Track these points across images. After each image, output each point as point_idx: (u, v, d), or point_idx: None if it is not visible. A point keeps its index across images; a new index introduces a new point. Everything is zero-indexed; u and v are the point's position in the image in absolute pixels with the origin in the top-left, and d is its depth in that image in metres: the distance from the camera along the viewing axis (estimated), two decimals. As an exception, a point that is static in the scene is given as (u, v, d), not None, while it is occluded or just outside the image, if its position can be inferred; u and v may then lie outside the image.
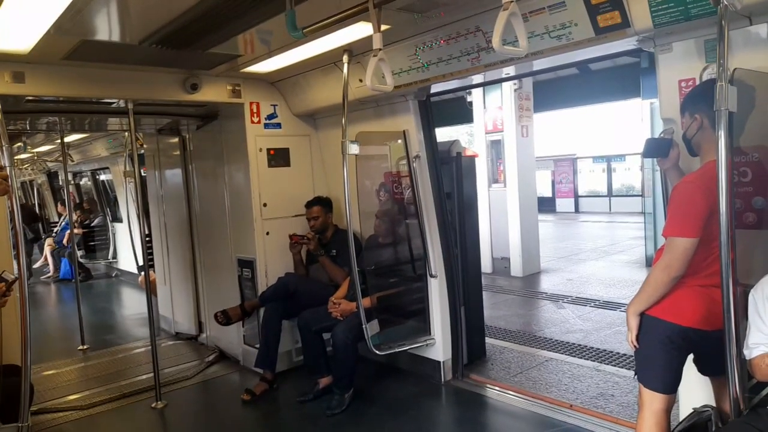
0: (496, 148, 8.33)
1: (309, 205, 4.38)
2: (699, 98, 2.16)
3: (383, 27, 2.58)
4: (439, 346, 4.10)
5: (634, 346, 2.21)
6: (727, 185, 1.75)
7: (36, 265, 10.57)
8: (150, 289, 4.21)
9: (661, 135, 2.51)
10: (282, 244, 4.44)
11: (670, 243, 2.06)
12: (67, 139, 6.36)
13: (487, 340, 4.72)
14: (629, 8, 2.40)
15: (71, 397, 4.25)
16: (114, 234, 10.00)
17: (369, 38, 2.55)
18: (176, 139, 5.41)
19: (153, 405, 3.99)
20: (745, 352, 1.92)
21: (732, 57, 2.16)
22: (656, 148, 2.43)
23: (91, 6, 2.54)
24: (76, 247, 6.70)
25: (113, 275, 9.88)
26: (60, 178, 11.60)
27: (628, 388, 3.74)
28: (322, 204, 4.37)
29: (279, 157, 4.58)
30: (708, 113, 2.06)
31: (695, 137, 2.18)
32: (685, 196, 2.06)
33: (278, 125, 4.59)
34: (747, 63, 2.19)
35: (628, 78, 8.51)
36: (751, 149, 2.26)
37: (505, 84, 7.64)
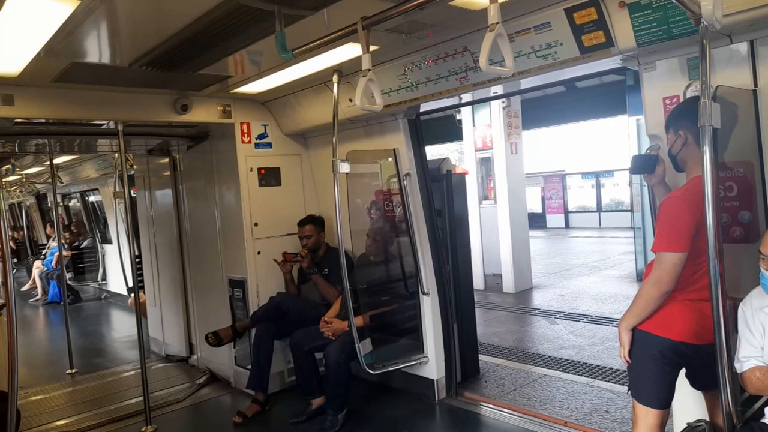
0: (485, 165, 8.39)
1: (302, 223, 4.37)
2: (682, 115, 2.20)
3: (372, 47, 2.61)
4: (432, 364, 4.08)
5: (627, 362, 2.21)
6: (714, 199, 1.77)
7: (24, 288, 10.45)
8: (140, 311, 4.17)
9: (648, 151, 2.54)
10: (273, 263, 4.42)
11: (659, 258, 2.08)
12: (56, 161, 6.33)
13: (481, 357, 4.70)
14: (613, 28, 2.45)
15: (59, 423, 4.17)
16: (103, 255, 9.92)
17: (358, 58, 2.58)
18: (166, 160, 5.41)
19: (143, 429, 3.92)
20: (736, 365, 1.93)
21: (714, 74, 2.22)
22: (643, 165, 2.47)
23: (82, 29, 2.55)
24: (64, 269, 6.63)
25: (102, 297, 9.77)
26: (49, 199, 11.53)
27: (623, 403, 3.73)
28: (314, 223, 4.37)
29: (270, 177, 4.59)
30: (692, 130, 2.10)
31: (680, 153, 2.21)
32: (672, 212, 2.09)
33: (269, 145, 4.60)
34: (729, 80, 2.24)
35: (614, 95, 8.65)
36: (736, 164, 2.30)
37: (493, 102, 7.72)
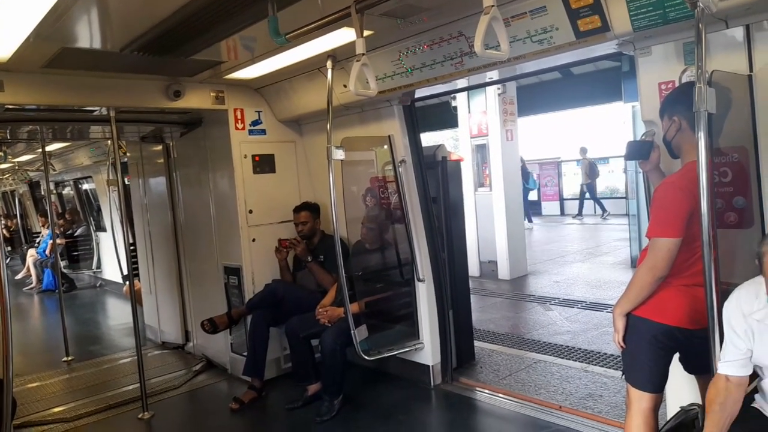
0: (481, 152, 8.37)
1: (297, 210, 4.36)
2: (677, 101, 2.19)
3: (366, 32, 2.59)
4: (428, 350, 4.10)
5: (621, 347, 2.23)
6: (708, 185, 1.77)
7: (18, 277, 10.42)
8: (135, 299, 4.15)
9: (643, 137, 2.54)
10: (268, 250, 4.41)
11: (653, 244, 2.08)
12: (48, 148, 6.28)
13: (476, 343, 4.72)
14: (609, 12, 2.43)
15: (56, 410, 4.18)
16: (98, 243, 9.88)
17: (352, 44, 2.56)
18: (160, 147, 5.37)
19: (140, 416, 3.94)
20: (718, 365, 1.88)
21: (710, 59, 2.21)
22: (637, 151, 2.47)
23: (72, 12, 2.51)
24: (59, 257, 6.61)
25: (97, 285, 9.75)
26: (42, 187, 11.45)
27: (616, 388, 3.76)
28: (310, 209, 4.36)
29: (264, 164, 4.56)
30: (686, 115, 2.10)
31: (675, 139, 2.21)
32: (666, 197, 2.09)
33: (263, 131, 4.57)
34: (724, 65, 2.23)
35: (609, 82, 8.63)
36: (731, 150, 2.30)
37: (489, 88, 7.68)
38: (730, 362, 1.86)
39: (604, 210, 14.33)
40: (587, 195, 14.73)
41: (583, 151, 14.73)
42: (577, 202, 15.86)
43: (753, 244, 1.89)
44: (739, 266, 2.14)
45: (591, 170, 14.54)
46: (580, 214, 14.57)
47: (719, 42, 2.30)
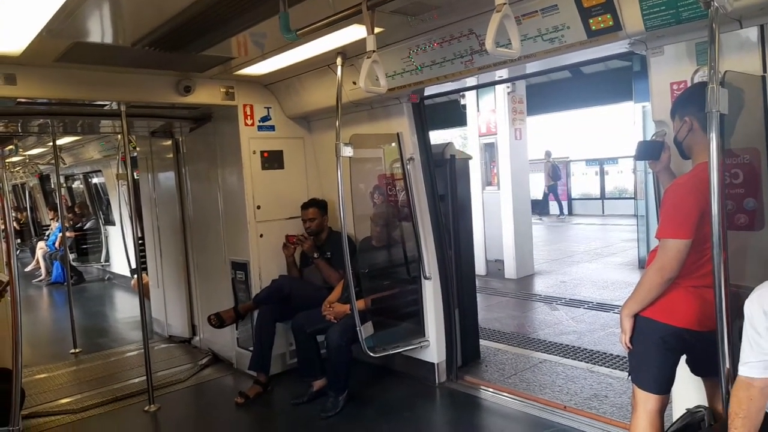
0: (489, 150, 8.34)
1: (305, 206, 4.37)
2: (688, 101, 2.18)
3: (376, 29, 2.59)
4: (433, 348, 4.10)
5: (628, 348, 2.22)
6: (719, 186, 1.76)
7: (28, 269, 10.51)
8: (143, 292, 4.18)
9: (653, 138, 2.53)
10: (276, 246, 4.43)
11: (663, 245, 2.07)
12: (59, 142, 6.33)
13: (482, 342, 4.72)
14: (621, 11, 2.42)
15: (63, 401, 4.22)
16: (106, 237, 9.95)
17: (363, 40, 2.56)
18: (169, 142, 5.40)
19: (146, 408, 3.97)
20: (742, 368, 1.79)
21: (723, 60, 2.19)
22: (648, 151, 2.45)
23: (84, 8, 2.53)
24: (68, 250, 6.66)
25: (106, 278, 9.82)
26: (52, 181, 11.55)
27: (622, 389, 3.75)
28: (318, 206, 4.36)
29: (273, 160, 4.58)
30: (698, 116, 2.08)
31: (686, 140, 2.20)
32: (677, 198, 2.08)
33: (272, 127, 4.58)
34: (737, 65, 2.22)
35: (620, 81, 8.57)
36: (742, 151, 2.28)
37: (498, 87, 7.66)
38: (754, 363, 1.78)
39: (561, 212, 15.54)
40: (551, 196, 15.85)
41: (548, 154, 15.71)
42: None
43: (763, 245, 1.87)
44: (750, 268, 2.12)
45: (554, 172, 15.38)
46: (546, 213, 15.70)
47: (732, 42, 2.29)
